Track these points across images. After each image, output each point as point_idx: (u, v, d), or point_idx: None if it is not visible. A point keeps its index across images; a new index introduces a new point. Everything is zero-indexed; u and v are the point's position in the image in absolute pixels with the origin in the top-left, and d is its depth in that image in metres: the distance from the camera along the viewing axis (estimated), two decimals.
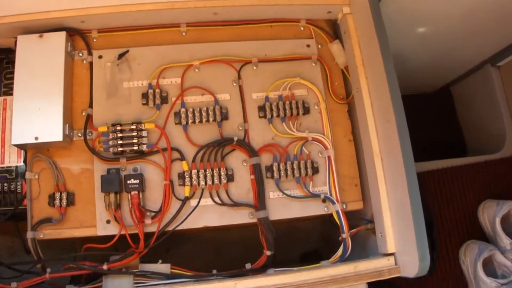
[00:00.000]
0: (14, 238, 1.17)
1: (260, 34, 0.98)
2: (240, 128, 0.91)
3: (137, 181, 0.85)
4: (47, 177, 0.89)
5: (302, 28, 0.99)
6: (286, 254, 0.95)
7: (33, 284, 0.87)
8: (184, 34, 0.96)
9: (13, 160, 0.96)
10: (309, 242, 1.17)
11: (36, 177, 0.90)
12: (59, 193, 0.88)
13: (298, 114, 0.92)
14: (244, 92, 0.93)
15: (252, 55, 0.95)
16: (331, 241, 1.00)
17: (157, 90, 0.90)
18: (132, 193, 0.85)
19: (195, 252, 1.12)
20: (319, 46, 0.98)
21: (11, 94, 0.96)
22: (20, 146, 0.89)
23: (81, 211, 0.88)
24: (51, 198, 0.88)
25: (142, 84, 0.91)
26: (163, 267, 0.86)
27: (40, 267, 0.90)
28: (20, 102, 0.87)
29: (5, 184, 0.95)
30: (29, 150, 0.91)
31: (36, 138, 0.85)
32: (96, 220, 0.87)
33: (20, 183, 0.95)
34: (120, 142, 0.87)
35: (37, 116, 0.86)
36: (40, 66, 0.88)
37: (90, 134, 0.89)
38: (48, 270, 0.86)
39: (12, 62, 0.96)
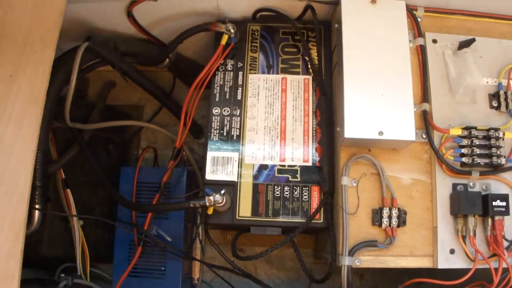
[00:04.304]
0: None
1: None
2: None
3: (504, 204, 0.67)
4: (368, 187, 0.69)
5: None
6: None
7: None
8: None
9: (298, 157, 0.74)
10: None
11: (354, 184, 0.69)
12: (387, 209, 0.67)
13: None
14: None
15: None
16: None
17: (509, 92, 0.73)
18: (497, 218, 0.67)
19: None
20: None
21: (289, 73, 0.78)
22: (350, 142, 0.68)
23: (410, 234, 0.68)
24: (377, 214, 0.67)
25: (488, 82, 0.74)
26: None
27: None
28: (355, 84, 0.67)
29: (286, 188, 0.72)
30: (345, 148, 0.70)
31: (380, 133, 0.65)
32: (438, 248, 0.67)
33: (307, 189, 0.72)
34: (477, 151, 0.68)
35: (380, 106, 0.66)
36: (378, 39, 0.69)
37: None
38: None
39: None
